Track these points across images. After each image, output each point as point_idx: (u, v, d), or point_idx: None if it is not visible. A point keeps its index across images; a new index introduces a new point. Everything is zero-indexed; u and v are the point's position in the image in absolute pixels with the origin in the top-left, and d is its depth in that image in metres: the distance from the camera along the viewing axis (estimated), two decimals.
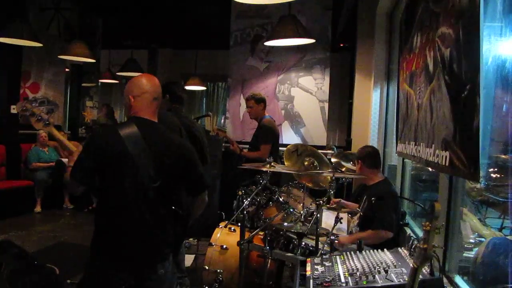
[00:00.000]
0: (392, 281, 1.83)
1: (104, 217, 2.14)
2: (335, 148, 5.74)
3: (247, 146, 5.24)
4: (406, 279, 1.76)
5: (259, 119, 4.93)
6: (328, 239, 2.96)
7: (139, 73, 8.61)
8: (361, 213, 3.36)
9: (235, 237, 3.43)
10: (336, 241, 3.20)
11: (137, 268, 2.09)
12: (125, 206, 2.05)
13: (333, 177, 3.16)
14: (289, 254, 3.14)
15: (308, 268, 2.14)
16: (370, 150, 3.57)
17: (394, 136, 4.07)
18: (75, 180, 2.10)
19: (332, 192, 3.27)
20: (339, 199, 3.93)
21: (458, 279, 2.41)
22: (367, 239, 3.11)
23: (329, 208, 3.25)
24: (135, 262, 2.09)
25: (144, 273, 2.09)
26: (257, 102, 4.89)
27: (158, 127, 2.21)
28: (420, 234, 3.07)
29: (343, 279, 1.94)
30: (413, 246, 2.02)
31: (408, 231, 3.49)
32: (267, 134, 4.78)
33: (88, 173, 2.08)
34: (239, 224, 3.25)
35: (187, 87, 9.11)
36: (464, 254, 2.63)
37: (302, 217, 3.22)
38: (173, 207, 2.17)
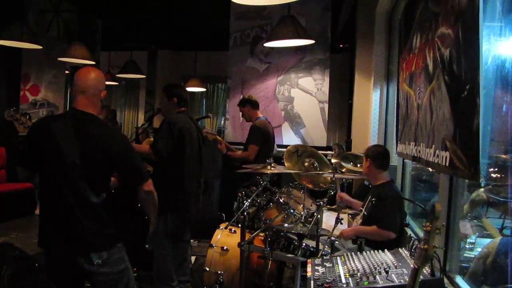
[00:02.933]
0: (393, 282, 1.83)
1: (41, 205, 2.31)
2: (343, 146, 5.69)
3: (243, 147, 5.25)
4: (407, 279, 1.76)
5: (253, 120, 4.94)
6: (328, 240, 2.96)
7: (141, 75, 8.56)
8: (365, 213, 3.35)
9: (235, 239, 3.43)
10: (339, 234, 3.18)
11: (70, 255, 2.18)
12: (52, 192, 2.19)
13: (333, 178, 3.16)
14: (290, 255, 3.14)
15: (309, 269, 2.14)
16: (381, 150, 3.49)
17: (394, 137, 4.07)
18: (19, 165, 2.31)
19: (333, 192, 3.26)
20: (344, 193, 3.91)
21: (459, 280, 2.41)
22: (370, 234, 3.09)
23: (329, 209, 3.25)
24: (66, 249, 2.18)
25: (78, 262, 2.16)
26: (243, 105, 4.96)
27: (90, 120, 2.26)
28: (421, 234, 3.07)
29: (344, 280, 1.93)
30: (414, 246, 2.01)
31: (409, 231, 3.49)
32: (255, 135, 4.77)
33: (23, 157, 2.28)
34: (240, 225, 3.25)
35: (187, 89, 9.10)
36: (465, 254, 2.63)
37: (303, 218, 3.22)
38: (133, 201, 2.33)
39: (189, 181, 3.37)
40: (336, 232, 3.18)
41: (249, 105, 4.94)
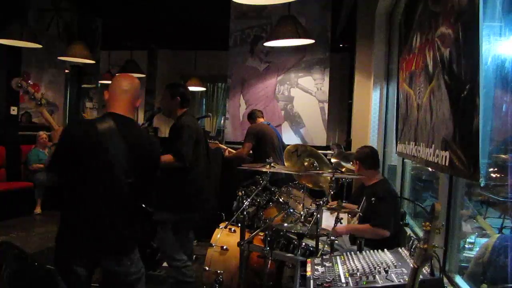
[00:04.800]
0: (393, 281, 1.83)
1: (75, 209, 2.15)
2: (342, 146, 5.73)
3: None
4: (407, 279, 1.76)
5: None
6: (328, 239, 2.96)
7: (141, 74, 8.59)
8: (361, 214, 3.36)
9: (235, 238, 3.44)
10: (331, 230, 3.19)
11: (104, 258, 2.15)
12: (98, 199, 2.09)
13: (333, 178, 3.16)
14: (289, 255, 3.14)
15: (309, 268, 2.14)
16: (367, 151, 3.56)
17: (394, 136, 4.07)
18: (50, 171, 2.22)
19: (332, 192, 3.26)
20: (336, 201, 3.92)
21: (458, 279, 2.41)
22: (363, 232, 3.12)
23: (329, 209, 3.25)
24: (100, 253, 2.14)
25: (108, 264, 2.15)
26: (248, 119, 5.63)
27: (133, 124, 2.28)
28: (420, 234, 3.07)
29: (343, 280, 1.93)
30: (413, 246, 2.01)
31: (408, 231, 3.49)
32: (248, 135, 5.25)
33: (62, 164, 2.13)
34: (239, 224, 3.25)
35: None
36: (464, 254, 2.63)
37: (302, 217, 3.22)
38: (143, 205, 2.27)
39: (202, 181, 3.43)
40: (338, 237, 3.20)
41: (251, 119, 5.54)
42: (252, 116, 5.54)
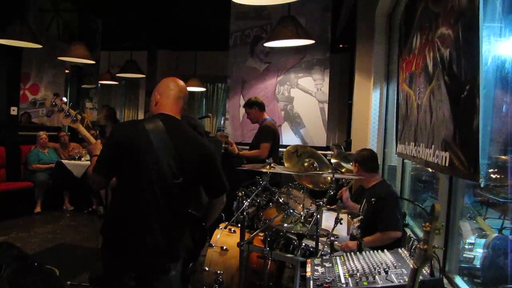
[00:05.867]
0: (392, 282, 1.83)
1: (120, 212, 2.12)
2: (342, 147, 5.72)
3: (247, 147, 5.24)
4: (406, 279, 1.76)
5: (260, 122, 4.96)
6: (328, 240, 2.96)
7: (141, 74, 8.58)
8: (362, 216, 3.36)
9: (235, 238, 3.43)
10: (341, 245, 3.19)
11: (149, 265, 2.06)
12: (145, 199, 2.03)
13: (333, 178, 3.16)
14: (289, 255, 3.13)
15: (308, 269, 2.14)
16: (367, 153, 3.53)
17: (394, 137, 4.07)
18: (97, 173, 2.10)
19: (332, 192, 3.26)
20: (347, 193, 3.91)
21: (458, 280, 2.41)
22: (376, 242, 3.06)
23: (329, 209, 3.25)
24: (148, 258, 2.06)
25: (155, 272, 2.07)
26: (250, 107, 4.96)
27: (183, 125, 2.23)
28: (420, 234, 3.07)
29: (343, 280, 1.93)
30: (413, 246, 2.01)
31: (408, 231, 3.49)
32: (267, 134, 4.82)
33: (109, 165, 2.10)
34: (239, 225, 3.25)
35: (187, 88, 9.10)
36: (464, 255, 2.63)
37: (302, 218, 3.22)
38: (190, 210, 2.19)
39: None
40: (339, 237, 3.19)
41: (257, 107, 4.96)
42: (260, 105, 4.98)
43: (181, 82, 2.31)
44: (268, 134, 4.81)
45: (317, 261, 2.23)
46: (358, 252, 2.30)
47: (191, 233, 2.22)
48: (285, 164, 4.09)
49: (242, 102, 6.95)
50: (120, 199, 2.13)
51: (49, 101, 2.72)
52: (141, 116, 10.58)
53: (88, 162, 2.98)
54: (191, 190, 2.17)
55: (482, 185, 1.73)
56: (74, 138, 7.85)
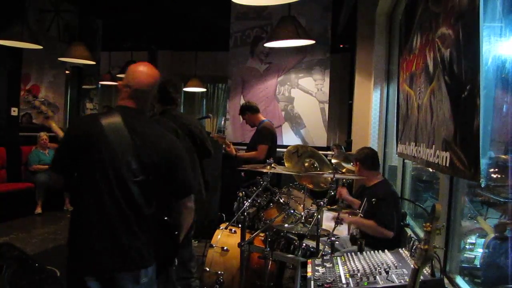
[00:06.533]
0: (393, 282, 1.83)
1: (78, 212, 1.96)
2: (342, 147, 5.72)
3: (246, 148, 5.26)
4: (407, 280, 1.76)
5: (257, 124, 4.99)
6: (328, 240, 2.96)
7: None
8: (361, 215, 3.36)
9: (235, 239, 3.43)
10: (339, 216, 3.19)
11: (118, 272, 1.87)
12: (104, 199, 1.86)
13: (334, 178, 3.16)
14: (290, 256, 3.14)
15: (309, 269, 2.14)
16: (368, 152, 3.56)
17: (394, 137, 4.07)
18: (54, 171, 2.00)
19: (333, 192, 3.26)
20: (345, 190, 3.92)
21: (459, 280, 2.41)
22: (367, 227, 3.16)
23: (329, 209, 3.25)
24: (113, 265, 1.87)
25: (123, 281, 1.87)
26: (243, 113, 5.02)
27: (144, 119, 2.05)
28: (421, 234, 3.07)
29: (344, 280, 1.93)
30: (414, 247, 2.01)
31: (409, 231, 3.49)
32: (264, 135, 4.84)
33: (66, 162, 1.97)
34: (240, 225, 3.25)
35: (187, 89, 9.12)
36: (465, 255, 2.63)
37: (303, 218, 3.22)
38: (160, 213, 2.00)
39: None
40: (339, 237, 3.19)
41: (248, 111, 4.99)
42: (251, 109, 5.00)
43: (148, 69, 2.06)
44: (265, 136, 4.83)
45: (317, 261, 2.23)
46: (358, 252, 2.31)
47: (162, 238, 2.03)
48: (286, 164, 4.09)
49: (243, 102, 6.97)
50: (79, 199, 1.97)
51: (25, 100, 2.65)
52: None
53: None
54: (156, 190, 1.97)
55: (482, 185, 1.73)
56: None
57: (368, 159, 3.47)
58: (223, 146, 5.18)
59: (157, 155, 1.94)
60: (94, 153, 1.89)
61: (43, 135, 6.96)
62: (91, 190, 1.91)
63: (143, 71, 2.05)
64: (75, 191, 2.00)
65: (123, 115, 1.96)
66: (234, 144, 5.48)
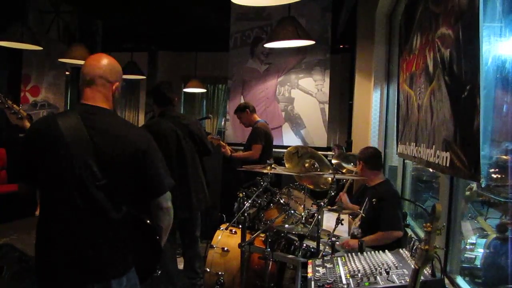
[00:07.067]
0: (394, 282, 1.83)
1: (40, 225, 1.82)
2: (343, 147, 5.74)
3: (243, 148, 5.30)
4: (408, 280, 1.76)
5: (252, 124, 5.08)
6: (329, 240, 2.96)
7: (141, 76, 8.56)
8: (363, 214, 3.36)
9: (236, 239, 3.44)
10: (342, 243, 3.20)
11: (85, 284, 1.73)
12: (61, 207, 1.75)
13: (334, 179, 3.16)
14: (291, 256, 3.14)
15: (310, 269, 2.14)
16: (372, 151, 3.56)
17: (395, 137, 4.07)
18: (16, 178, 1.88)
19: (333, 193, 3.26)
20: (345, 195, 3.93)
21: (459, 280, 2.41)
22: (378, 241, 3.09)
23: (330, 210, 3.25)
24: (80, 277, 1.74)
25: None
26: (242, 111, 5.09)
27: (106, 115, 1.85)
28: (421, 235, 3.07)
29: (344, 281, 1.93)
30: (415, 247, 2.02)
31: (409, 232, 3.49)
32: (258, 135, 4.92)
33: (22, 168, 1.84)
34: (240, 226, 3.25)
35: (187, 90, 9.11)
36: (466, 255, 2.63)
37: (303, 218, 3.22)
38: (136, 216, 1.85)
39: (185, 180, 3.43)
40: (340, 237, 3.18)
41: (248, 109, 5.07)
42: (251, 108, 5.11)
43: (99, 60, 1.89)
44: (259, 135, 4.91)
45: (318, 262, 2.23)
46: (359, 253, 2.31)
47: (141, 243, 1.90)
48: (286, 165, 4.09)
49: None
50: (40, 210, 1.84)
51: None
52: (141, 117, 10.58)
53: None
54: (123, 192, 1.80)
55: (483, 185, 1.73)
56: None
57: (372, 159, 3.46)
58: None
59: (119, 154, 1.76)
60: (50, 156, 1.75)
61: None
62: (50, 200, 1.79)
63: (95, 61, 1.90)
64: (40, 197, 1.86)
65: (82, 112, 1.80)
66: (234, 144, 5.50)
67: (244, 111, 5.07)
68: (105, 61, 1.90)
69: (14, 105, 2.53)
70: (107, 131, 1.79)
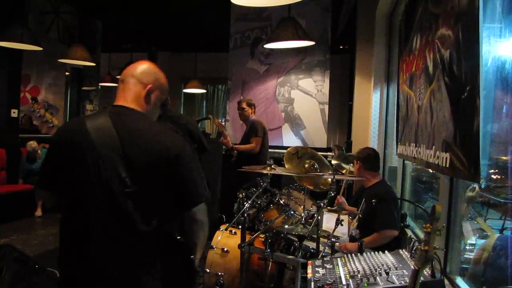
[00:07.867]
0: (393, 283, 1.83)
1: (65, 233, 1.67)
2: (343, 148, 5.73)
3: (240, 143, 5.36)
4: (407, 281, 1.76)
5: (248, 121, 5.23)
6: (329, 241, 2.95)
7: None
8: (360, 215, 3.36)
9: (236, 240, 3.43)
10: (340, 246, 3.20)
11: None
12: (87, 218, 1.59)
13: (334, 179, 3.16)
14: (290, 257, 3.13)
15: (309, 270, 2.14)
16: (370, 152, 3.56)
17: (394, 138, 4.07)
18: (40, 186, 1.73)
19: (333, 194, 3.26)
20: (342, 198, 3.93)
21: (459, 281, 2.41)
22: (374, 242, 3.08)
23: (329, 211, 3.25)
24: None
25: None
26: (249, 106, 5.24)
27: (138, 118, 1.69)
28: (421, 235, 3.06)
29: (344, 281, 1.93)
30: (414, 247, 2.01)
31: (409, 232, 3.49)
32: (256, 128, 5.08)
33: (52, 176, 1.70)
34: (240, 226, 3.25)
35: (187, 90, 9.12)
36: (465, 256, 2.63)
37: (303, 219, 3.21)
38: (167, 231, 1.69)
39: None
40: (340, 238, 3.18)
41: (254, 108, 5.30)
42: (252, 105, 5.25)
43: (138, 65, 1.81)
44: (258, 129, 5.07)
45: (318, 262, 2.23)
46: (359, 253, 2.30)
47: (173, 262, 1.71)
48: (286, 166, 4.09)
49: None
50: (66, 216, 1.67)
51: (27, 108, 2.46)
52: None
53: None
54: (154, 202, 1.63)
55: (482, 186, 1.73)
56: None
57: (370, 160, 3.47)
58: (221, 136, 5.34)
59: (151, 159, 1.60)
60: (78, 161, 1.60)
61: (32, 144, 6.76)
62: (74, 208, 1.64)
63: (133, 65, 1.83)
64: (64, 206, 1.69)
65: (113, 114, 1.67)
66: (234, 144, 5.50)
67: (250, 107, 5.23)
68: (143, 64, 1.81)
69: (47, 114, 2.44)
70: (139, 134, 1.63)
